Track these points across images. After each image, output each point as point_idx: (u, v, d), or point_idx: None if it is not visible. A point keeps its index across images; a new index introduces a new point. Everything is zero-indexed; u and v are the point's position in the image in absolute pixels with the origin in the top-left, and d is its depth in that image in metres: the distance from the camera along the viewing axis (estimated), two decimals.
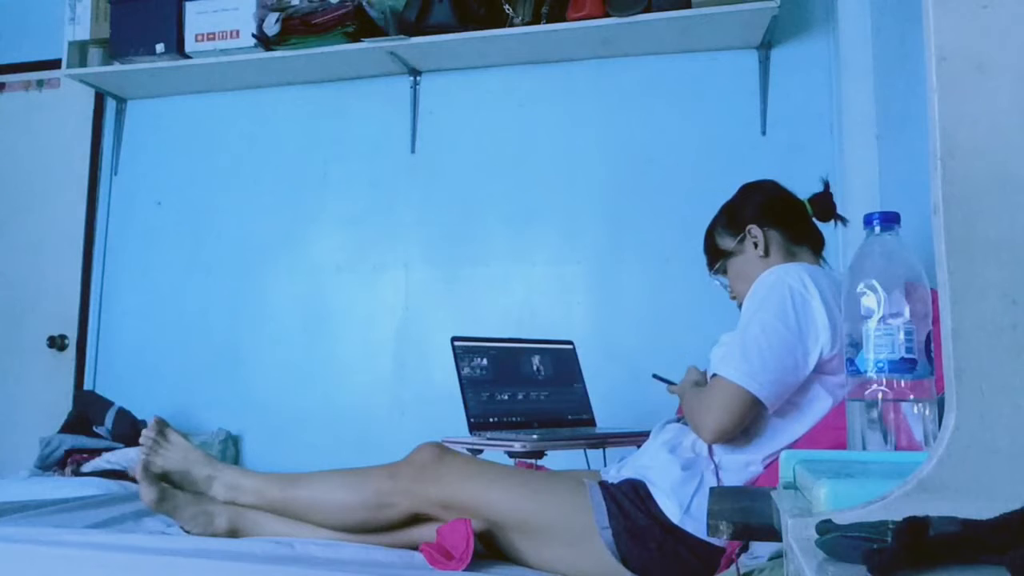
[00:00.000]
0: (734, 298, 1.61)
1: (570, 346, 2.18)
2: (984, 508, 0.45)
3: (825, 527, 0.49)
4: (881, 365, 0.80)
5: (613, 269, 2.61)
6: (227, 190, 2.96)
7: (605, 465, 1.75)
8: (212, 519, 1.62)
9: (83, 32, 2.88)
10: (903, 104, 2.02)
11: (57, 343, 3.08)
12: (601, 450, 1.94)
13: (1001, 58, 0.54)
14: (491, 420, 1.87)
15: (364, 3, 2.64)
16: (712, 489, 0.89)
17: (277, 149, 2.94)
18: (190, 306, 2.94)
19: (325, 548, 1.48)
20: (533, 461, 1.80)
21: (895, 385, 0.80)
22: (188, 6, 2.74)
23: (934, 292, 0.66)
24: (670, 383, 1.71)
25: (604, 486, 1.46)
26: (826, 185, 1.67)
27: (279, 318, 2.86)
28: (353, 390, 2.76)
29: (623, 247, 2.61)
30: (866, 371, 0.81)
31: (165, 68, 2.80)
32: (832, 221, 1.65)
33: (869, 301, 0.81)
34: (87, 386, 3.00)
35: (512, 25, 2.52)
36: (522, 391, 1.98)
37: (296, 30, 2.64)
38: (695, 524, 1.35)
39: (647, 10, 2.38)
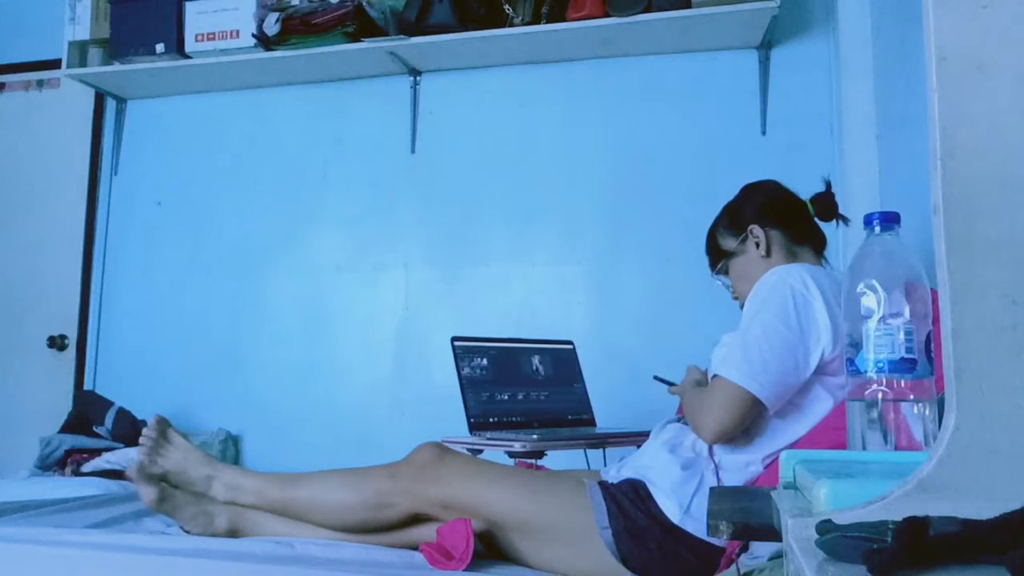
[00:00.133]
0: (736, 298, 1.61)
1: (570, 346, 2.18)
2: (984, 508, 0.45)
3: (825, 527, 0.49)
4: (881, 365, 0.80)
5: (613, 269, 2.61)
6: (227, 190, 2.96)
7: (605, 465, 1.74)
8: (212, 519, 1.62)
9: (83, 32, 2.88)
10: (903, 104, 2.02)
11: (57, 343, 3.08)
12: (601, 450, 1.94)
13: (1001, 58, 0.54)
14: (491, 420, 1.87)
15: (364, 3, 2.64)
16: (712, 489, 0.89)
17: (277, 149, 2.94)
18: (190, 306, 2.94)
19: (325, 548, 1.48)
20: (533, 461, 1.80)
21: (895, 385, 0.80)
22: (188, 6, 2.74)
23: (934, 292, 0.66)
24: (671, 384, 1.71)
25: (604, 486, 1.46)
26: (828, 185, 1.67)
27: (279, 318, 2.86)
28: (353, 390, 2.76)
29: (623, 247, 2.61)
30: (866, 371, 0.81)
31: (165, 68, 2.80)
32: (834, 221, 1.65)
33: (869, 301, 0.81)
34: (87, 386, 3.00)
35: (512, 25, 2.52)
36: (522, 391, 1.98)
37: (296, 30, 2.64)
38: (695, 524, 1.35)
39: (647, 10, 2.38)
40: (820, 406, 1.41)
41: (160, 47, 2.74)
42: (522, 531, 1.45)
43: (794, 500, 0.63)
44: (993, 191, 0.53)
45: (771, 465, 1.39)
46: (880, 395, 0.80)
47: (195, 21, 2.73)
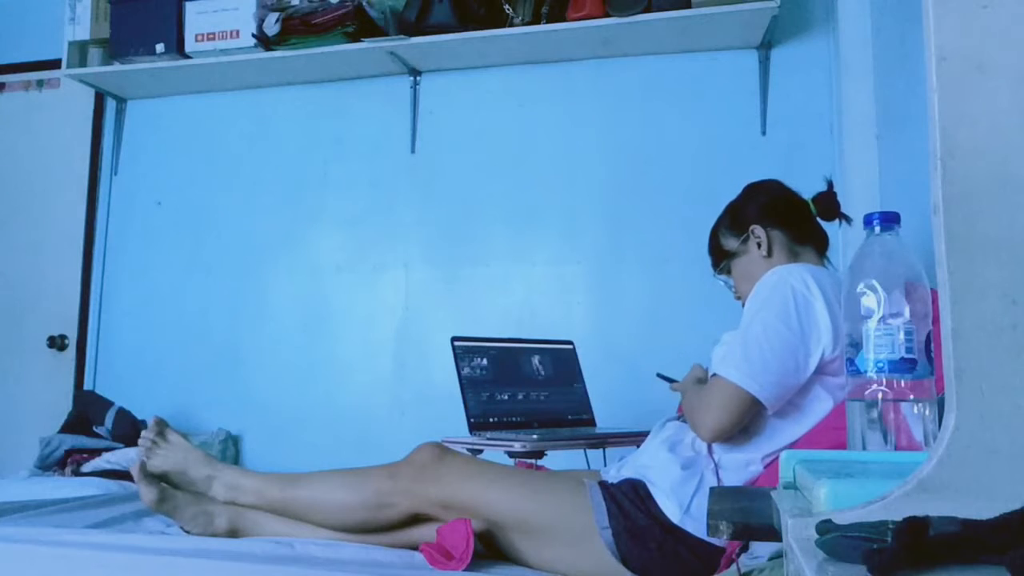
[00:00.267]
0: (739, 298, 1.61)
1: (570, 346, 2.18)
2: (984, 508, 0.45)
3: (825, 527, 0.49)
4: (881, 365, 0.80)
5: (613, 269, 2.61)
6: (227, 190, 2.96)
7: (605, 465, 1.74)
8: (212, 519, 1.62)
9: (83, 32, 2.88)
10: (903, 104, 2.02)
11: (57, 343, 3.08)
12: (601, 450, 1.94)
13: (1001, 58, 0.54)
14: (491, 420, 1.87)
15: (364, 3, 2.64)
16: (712, 489, 0.89)
17: (277, 149, 2.94)
18: (190, 306, 2.94)
19: (325, 548, 1.48)
20: (533, 461, 1.80)
21: (895, 385, 0.80)
22: (188, 6, 2.74)
23: (934, 292, 0.66)
24: (673, 381, 1.72)
25: (604, 486, 1.46)
26: (829, 184, 1.67)
27: (279, 318, 2.86)
28: (353, 390, 2.76)
29: (623, 247, 2.61)
30: (866, 371, 0.81)
31: (165, 68, 2.80)
32: (836, 220, 1.65)
33: (869, 301, 0.81)
34: (87, 386, 3.00)
35: (512, 25, 2.52)
36: (522, 391, 1.98)
37: (296, 30, 2.64)
38: (695, 524, 1.35)
39: (647, 10, 2.38)
40: (820, 406, 1.41)
41: (160, 47, 2.74)
42: (522, 531, 1.45)
43: (794, 500, 0.63)
44: (993, 191, 0.53)
45: (771, 465, 1.39)
46: (880, 395, 0.80)
47: (195, 21, 2.73)
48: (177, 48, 2.74)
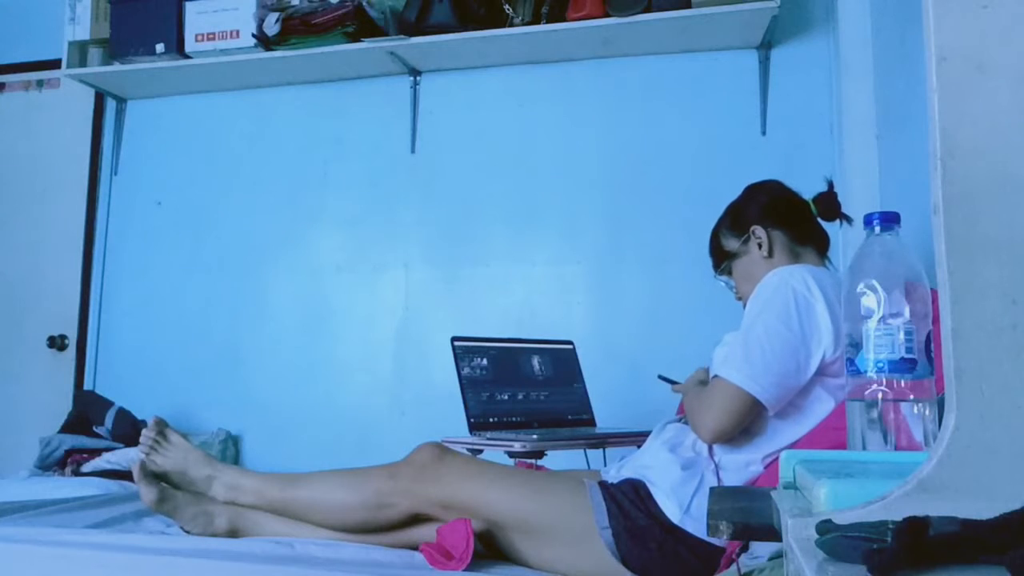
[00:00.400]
0: (739, 299, 1.61)
1: (570, 346, 2.18)
2: (984, 508, 0.45)
3: (825, 527, 0.49)
4: (881, 365, 0.80)
5: (613, 269, 2.61)
6: (227, 190, 2.96)
7: (605, 465, 1.74)
8: (212, 519, 1.62)
9: (83, 32, 2.88)
10: (903, 104, 2.02)
11: (57, 343, 3.08)
12: (601, 450, 1.94)
13: (1001, 58, 0.54)
14: (491, 420, 1.87)
15: (364, 3, 2.64)
16: (712, 489, 0.89)
17: (277, 149, 2.94)
18: (190, 306, 2.94)
19: (325, 548, 1.48)
20: (533, 461, 1.80)
21: (895, 385, 0.80)
22: (188, 6, 2.74)
23: (934, 292, 0.66)
24: (674, 383, 1.72)
25: (604, 486, 1.46)
26: (830, 185, 1.67)
27: (279, 318, 2.86)
28: (353, 390, 2.76)
29: (623, 247, 2.61)
30: (866, 371, 0.81)
31: (165, 68, 2.80)
32: (837, 220, 1.65)
33: (869, 301, 0.81)
34: (87, 386, 3.00)
35: (512, 25, 2.52)
36: (522, 391, 1.98)
37: (296, 30, 2.64)
38: (695, 524, 1.35)
39: (647, 10, 2.38)
40: (821, 407, 1.41)
41: (160, 47, 2.74)
42: (522, 531, 1.45)
43: (794, 500, 0.63)
44: (993, 191, 0.53)
45: (771, 465, 1.39)
46: (880, 395, 0.80)
47: (195, 21, 2.73)
48: (177, 48, 2.74)
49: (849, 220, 1.67)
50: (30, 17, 3.24)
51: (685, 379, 1.69)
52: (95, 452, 2.49)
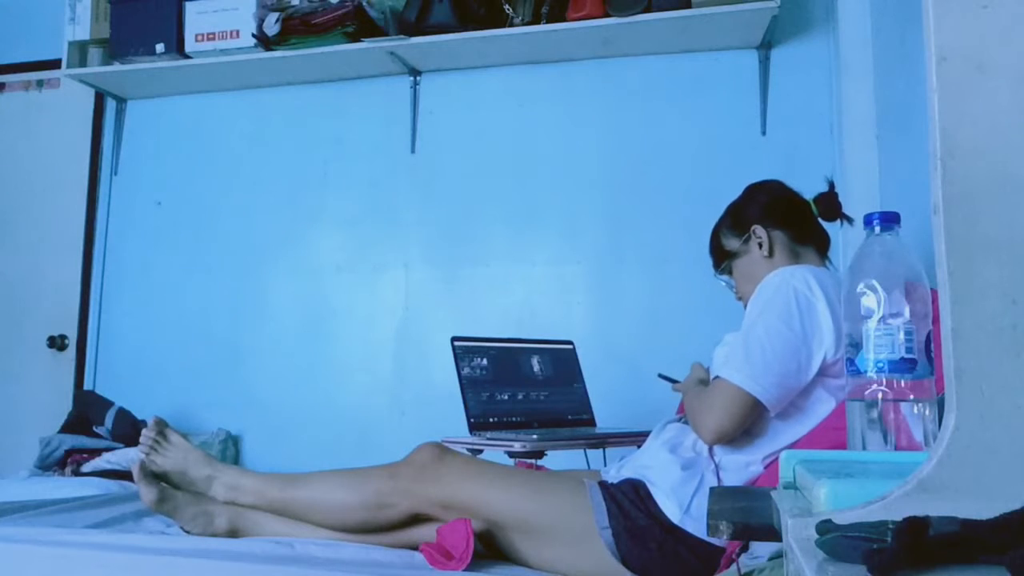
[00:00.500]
0: (740, 299, 1.61)
1: (570, 346, 2.18)
2: (984, 508, 0.45)
3: (825, 527, 0.49)
4: (881, 365, 0.80)
5: (613, 269, 2.61)
6: (227, 190, 2.96)
7: (605, 465, 1.74)
8: (212, 519, 1.62)
9: (83, 32, 2.88)
10: (903, 104, 2.02)
11: (57, 343, 3.08)
12: (601, 450, 1.94)
13: (1001, 58, 0.54)
14: (491, 420, 1.87)
15: (364, 3, 2.64)
16: (712, 489, 0.89)
17: (277, 149, 2.94)
18: (190, 306, 2.94)
19: (325, 548, 1.48)
20: (533, 461, 1.80)
21: (895, 385, 0.80)
22: (188, 6, 2.74)
23: (934, 292, 0.66)
24: (675, 381, 1.72)
25: (604, 486, 1.46)
26: (830, 185, 1.67)
27: (279, 318, 2.86)
28: (353, 390, 2.76)
29: (623, 247, 2.61)
30: (866, 371, 0.81)
31: (165, 68, 2.80)
32: (838, 221, 1.65)
33: (869, 301, 0.81)
34: (87, 386, 3.00)
35: (512, 25, 2.52)
36: (522, 391, 1.98)
37: (296, 30, 2.64)
38: (695, 524, 1.35)
39: (647, 10, 2.38)
40: (821, 407, 1.41)
41: (160, 47, 2.74)
42: (522, 531, 1.45)
43: (794, 500, 0.63)
44: (993, 191, 0.53)
45: (771, 465, 1.39)
46: (880, 395, 0.80)
47: (195, 21, 2.73)
48: (177, 48, 2.74)
49: (849, 220, 1.67)
50: (30, 17, 3.25)
51: (684, 377, 1.69)
52: (95, 452, 2.48)
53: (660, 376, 1.79)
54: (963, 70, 0.54)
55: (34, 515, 1.73)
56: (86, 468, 2.41)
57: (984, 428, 0.52)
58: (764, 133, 2.53)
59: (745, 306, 1.52)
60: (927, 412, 0.80)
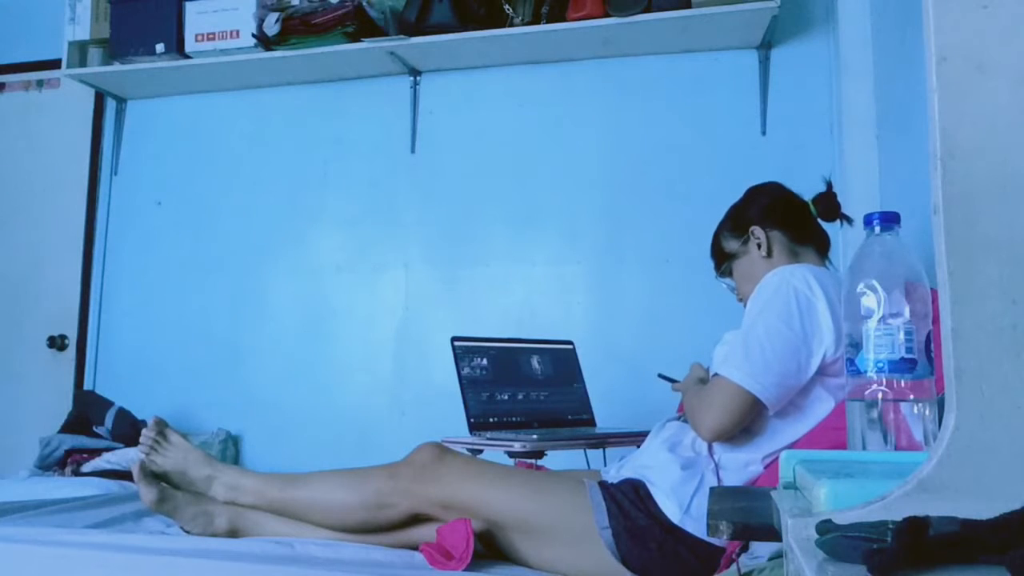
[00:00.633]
0: (741, 300, 1.61)
1: (570, 346, 2.18)
2: (984, 508, 0.45)
3: (825, 527, 0.49)
4: (881, 365, 0.80)
5: (613, 269, 2.61)
6: (227, 190, 2.96)
7: (605, 465, 1.75)
8: (212, 519, 1.62)
9: (83, 32, 2.88)
10: (903, 104, 2.02)
11: (57, 343, 3.08)
12: (601, 450, 1.94)
13: (1001, 58, 0.54)
14: (491, 420, 1.87)
15: (364, 3, 2.64)
16: (712, 489, 0.89)
17: (277, 149, 2.94)
18: (190, 306, 2.94)
19: (325, 548, 1.47)
20: (533, 461, 1.80)
21: (895, 385, 0.80)
22: (188, 6, 2.74)
23: (934, 292, 0.66)
24: (674, 381, 1.72)
25: (604, 486, 1.46)
26: (829, 185, 1.67)
27: (279, 318, 2.86)
28: (353, 390, 2.76)
29: (623, 247, 2.61)
30: (866, 371, 0.81)
31: (165, 68, 2.80)
32: (837, 221, 1.65)
33: (869, 301, 0.81)
34: (87, 386, 3.00)
35: (512, 25, 2.52)
36: (522, 391, 1.98)
37: (296, 30, 2.64)
38: (695, 524, 1.35)
39: (647, 10, 2.38)
40: (821, 407, 1.41)
41: (160, 47, 2.74)
42: (522, 531, 1.45)
43: (794, 500, 0.63)
44: (993, 191, 0.53)
45: (771, 465, 1.39)
46: (880, 395, 0.80)
47: (195, 21, 2.73)
48: (177, 48, 2.74)
49: (849, 220, 1.67)
50: (30, 17, 3.25)
51: (684, 377, 1.69)
52: (95, 452, 2.48)
53: (660, 376, 1.79)
54: (963, 70, 0.54)
55: (34, 515, 1.73)
56: (86, 468, 2.41)
57: (984, 428, 0.52)
58: (764, 133, 2.53)
59: (745, 307, 1.52)
60: (927, 412, 0.80)
